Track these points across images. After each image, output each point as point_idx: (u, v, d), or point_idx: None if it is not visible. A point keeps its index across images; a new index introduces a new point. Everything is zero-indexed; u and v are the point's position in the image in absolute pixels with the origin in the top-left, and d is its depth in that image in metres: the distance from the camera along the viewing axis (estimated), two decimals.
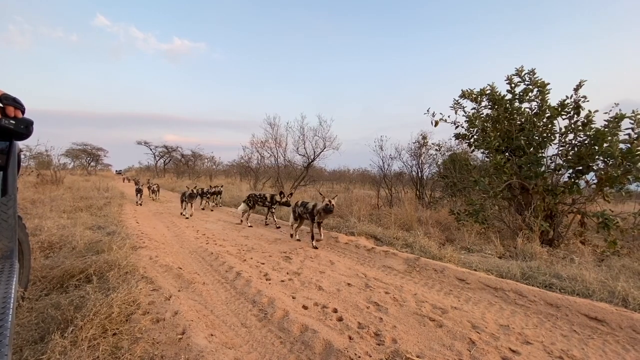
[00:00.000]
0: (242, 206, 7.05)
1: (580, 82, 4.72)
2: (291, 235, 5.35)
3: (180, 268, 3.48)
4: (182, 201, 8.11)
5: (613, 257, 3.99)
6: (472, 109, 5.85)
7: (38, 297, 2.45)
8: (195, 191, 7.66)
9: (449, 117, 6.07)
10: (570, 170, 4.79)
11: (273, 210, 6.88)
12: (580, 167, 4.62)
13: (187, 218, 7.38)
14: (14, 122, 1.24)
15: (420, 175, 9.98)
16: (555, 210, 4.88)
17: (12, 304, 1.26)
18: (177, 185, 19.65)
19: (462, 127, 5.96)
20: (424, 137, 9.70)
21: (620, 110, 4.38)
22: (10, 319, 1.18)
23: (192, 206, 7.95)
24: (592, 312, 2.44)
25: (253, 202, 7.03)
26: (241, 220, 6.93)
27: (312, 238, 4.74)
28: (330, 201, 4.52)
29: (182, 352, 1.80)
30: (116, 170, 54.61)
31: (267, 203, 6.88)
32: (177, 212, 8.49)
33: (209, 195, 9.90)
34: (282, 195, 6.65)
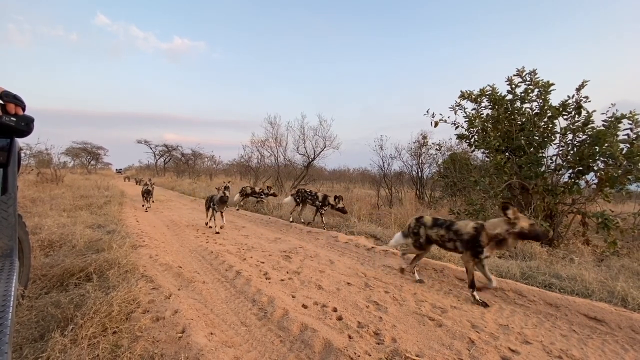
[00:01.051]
0: (289, 199, 6.67)
1: (582, 82, 4.72)
2: (402, 271, 3.43)
3: (180, 267, 3.48)
4: (208, 208, 6.10)
5: (613, 257, 3.99)
6: (472, 109, 5.85)
7: (38, 296, 2.45)
8: (227, 194, 5.71)
9: (448, 117, 6.06)
10: (570, 171, 4.79)
11: (322, 212, 6.27)
12: (581, 167, 4.62)
13: (217, 232, 5.56)
14: (14, 119, 1.24)
15: (420, 174, 9.99)
16: (555, 210, 4.88)
17: (12, 302, 1.26)
18: (177, 184, 19.64)
19: (462, 127, 5.96)
20: (424, 137, 9.71)
21: (617, 110, 4.39)
22: (10, 317, 1.18)
23: (222, 216, 5.90)
24: (592, 312, 2.44)
25: (302, 198, 6.58)
26: (292, 220, 6.52)
27: (472, 287, 2.77)
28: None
29: (182, 350, 1.80)
30: (116, 169, 54.63)
31: (317, 203, 6.30)
32: (177, 211, 8.46)
33: (263, 197, 8.76)
34: (337, 200, 5.97)
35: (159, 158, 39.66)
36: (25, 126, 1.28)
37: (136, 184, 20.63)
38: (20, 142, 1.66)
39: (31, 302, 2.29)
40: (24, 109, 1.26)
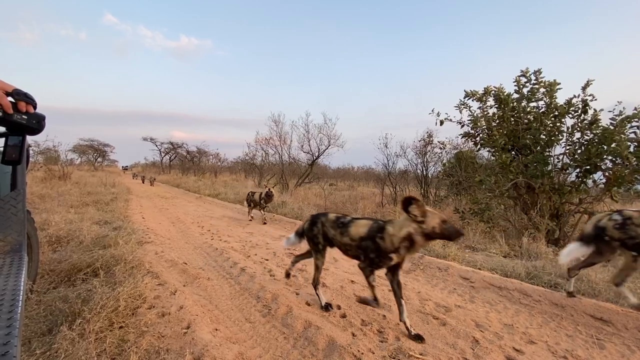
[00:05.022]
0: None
1: (588, 81, 4.66)
2: None
3: (185, 263, 3.51)
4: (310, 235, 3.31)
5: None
6: (477, 108, 5.79)
7: (46, 290, 2.50)
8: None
9: (454, 116, 6.01)
10: (578, 170, 4.73)
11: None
12: (588, 167, 4.56)
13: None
14: (26, 117, 1.26)
15: (425, 173, 9.92)
16: (561, 209, 4.83)
17: (21, 297, 1.28)
18: (182, 182, 19.76)
19: (468, 126, 5.91)
20: (430, 136, 9.64)
21: (624, 108, 4.33)
22: (19, 311, 1.20)
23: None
24: (598, 313, 2.42)
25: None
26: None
27: None
28: None
29: (187, 346, 1.82)
30: (123, 166, 55.16)
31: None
32: (182, 208, 8.50)
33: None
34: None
35: (165, 155, 39.95)
36: (36, 124, 1.30)
37: (133, 178, 20.51)
38: (29, 139, 1.69)
39: (40, 297, 2.33)
40: (35, 107, 1.28)
